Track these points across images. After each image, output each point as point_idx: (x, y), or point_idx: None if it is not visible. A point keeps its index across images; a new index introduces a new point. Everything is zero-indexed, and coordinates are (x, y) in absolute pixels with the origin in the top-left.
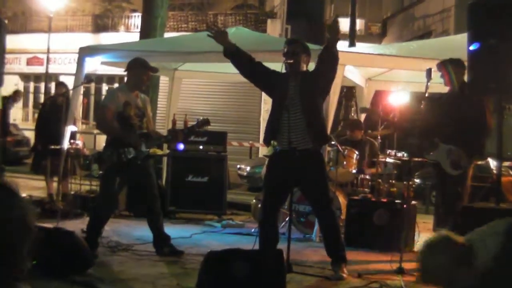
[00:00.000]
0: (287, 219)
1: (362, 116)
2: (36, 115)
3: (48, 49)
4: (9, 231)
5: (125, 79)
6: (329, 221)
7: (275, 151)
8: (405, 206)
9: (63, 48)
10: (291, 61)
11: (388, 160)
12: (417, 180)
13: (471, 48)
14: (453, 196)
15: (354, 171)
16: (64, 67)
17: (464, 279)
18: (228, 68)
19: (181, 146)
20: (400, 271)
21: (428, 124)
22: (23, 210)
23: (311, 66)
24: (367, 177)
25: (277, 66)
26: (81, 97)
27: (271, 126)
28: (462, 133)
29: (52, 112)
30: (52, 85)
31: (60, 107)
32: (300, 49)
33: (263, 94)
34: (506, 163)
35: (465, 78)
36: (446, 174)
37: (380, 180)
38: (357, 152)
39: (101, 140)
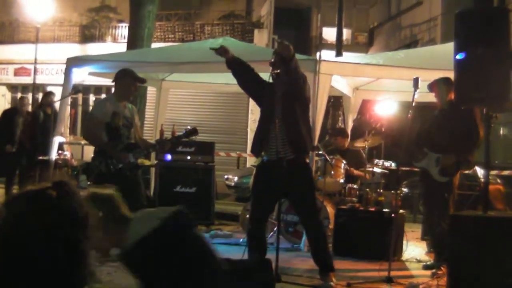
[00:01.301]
0: (275, 229)
1: (350, 126)
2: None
3: (36, 59)
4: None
5: (113, 89)
6: (316, 230)
7: (263, 161)
8: (393, 215)
9: (50, 59)
10: (277, 70)
11: (376, 169)
12: (405, 189)
13: (458, 57)
14: (440, 202)
15: (341, 180)
16: (51, 78)
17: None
18: (215, 78)
19: (168, 157)
20: (389, 280)
21: (417, 133)
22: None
23: None
24: (355, 186)
25: (264, 76)
26: (68, 108)
27: (259, 137)
28: (453, 143)
29: (41, 122)
30: (40, 96)
31: (49, 117)
32: (278, 59)
33: (251, 104)
34: (494, 172)
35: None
36: (435, 181)
37: (368, 190)
38: (344, 162)
39: (89, 151)
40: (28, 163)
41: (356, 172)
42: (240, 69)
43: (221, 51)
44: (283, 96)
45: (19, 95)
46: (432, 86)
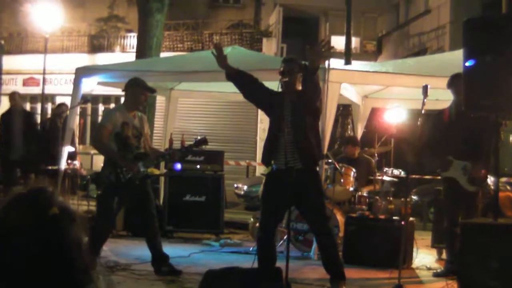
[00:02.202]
0: (285, 237)
1: (359, 134)
2: None
3: (44, 69)
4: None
5: (122, 99)
6: (327, 239)
7: (272, 170)
8: (403, 223)
9: (59, 69)
10: (286, 79)
11: (385, 178)
12: (415, 197)
13: (467, 64)
14: (472, 210)
15: (351, 188)
16: (60, 88)
17: None
18: (224, 87)
19: (178, 166)
20: None
21: (432, 141)
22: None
23: None
24: (365, 194)
25: (273, 84)
26: (77, 118)
27: (269, 146)
28: (477, 149)
29: (52, 132)
30: (49, 106)
31: (57, 128)
32: (295, 68)
33: (260, 113)
34: (503, 179)
35: None
36: (464, 190)
37: (377, 198)
38: (354, 170)
39: (98, 161)
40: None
41: (366, 188)
42: (242, 80)
43: (218, 58)
44: (294, 105)
45: (28, 105)
46: (453, 81)
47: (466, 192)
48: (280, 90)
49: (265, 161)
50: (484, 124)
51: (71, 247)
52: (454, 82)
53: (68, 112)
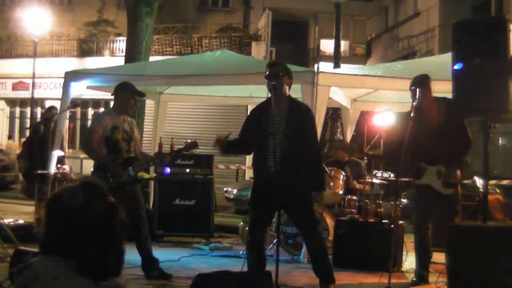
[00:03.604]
0: (275, 241)
1: (348, 137)
2: (22, 140)
3: (34, 73)
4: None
5: (111, 103)
6: (316, 242)
7: (262, 173)
8: (393, 226)
9: (48, 73)
10: (274, 82)
11: (375, 180)
12: (404, 200)
13: (456, 67)
14: (447, 214)
15: (341, 192)
16: (49, 92)
17: None
18: (214, 91)
19: (168, 170)
20: None
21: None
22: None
23: (293, 87)
24: (354, 197)
25: (262, 88)
26: (67, 122)
27: (259, 153)
28: (447, 151)
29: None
30: (38, 110)
31: (48, 131)
32: (282, 71)
33: None
34: (493, 182)
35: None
36: (439, 194)
37: (367, 201)
38: (343, 173)
39: (88, 165)
40: (27, 176)
41: (358, 185)
42: (236, 148)
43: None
44: (291, 115)
45: (17, 109)
46: (417, 84)
47: (441, 196)
48: (269, 95)
49: (254, 164)
50: (457, 125)
51: (118, 227)
52: (421, 83)
53: (57, 116)
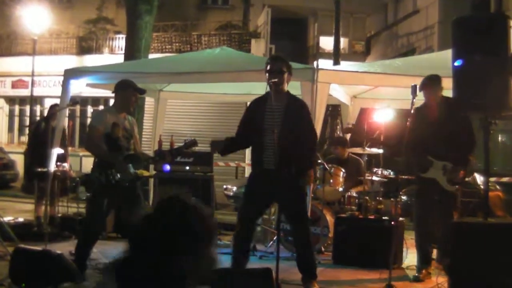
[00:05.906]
0: (275, 238)
1: (348, 134)
2: (22, 138)
3: (33, 71)
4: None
5: (111, 101)
6: (302, 237)
7: (259, 169)
8: (393, 223)
9: (47, 71)
10: (276, 80)
11: (375, 178)
12: (404, 197)
13: (456, 64)
14: (451, 211)
15: (341, 189)
16: (49, 90)
17: None
18: (213, 88)
19: (167, 167)
20: None
21: (414, 141)
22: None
23: (292, 84)
24: (354, 194)
25: (261, 85)
26: (66, 120)
27: (258, 149)
28: (454, 150)
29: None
30: (38, 108)
31: (49, 129)
32: (284, 68)
33: None
34: (493, 179)
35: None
36: (443, 190)
37: (367, 198)
38: (343, 170)
39: (88, 162)
40: (27, 174)
41: (353, 189)
42: (234, 147)
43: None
44: (289, 111)
45: (17, 107)
46: (424, 86)
47: (446, 192)
48: (267, 90)
49: (252, 158)
50: (463, 124)
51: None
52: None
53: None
